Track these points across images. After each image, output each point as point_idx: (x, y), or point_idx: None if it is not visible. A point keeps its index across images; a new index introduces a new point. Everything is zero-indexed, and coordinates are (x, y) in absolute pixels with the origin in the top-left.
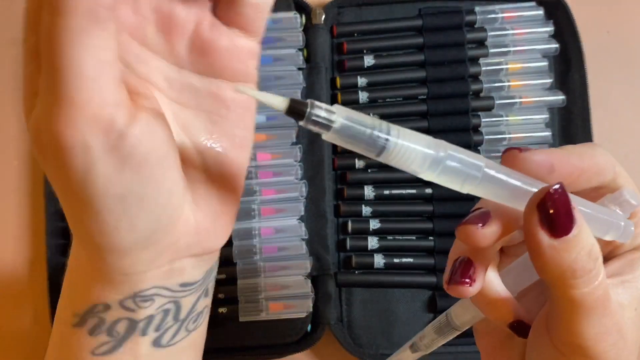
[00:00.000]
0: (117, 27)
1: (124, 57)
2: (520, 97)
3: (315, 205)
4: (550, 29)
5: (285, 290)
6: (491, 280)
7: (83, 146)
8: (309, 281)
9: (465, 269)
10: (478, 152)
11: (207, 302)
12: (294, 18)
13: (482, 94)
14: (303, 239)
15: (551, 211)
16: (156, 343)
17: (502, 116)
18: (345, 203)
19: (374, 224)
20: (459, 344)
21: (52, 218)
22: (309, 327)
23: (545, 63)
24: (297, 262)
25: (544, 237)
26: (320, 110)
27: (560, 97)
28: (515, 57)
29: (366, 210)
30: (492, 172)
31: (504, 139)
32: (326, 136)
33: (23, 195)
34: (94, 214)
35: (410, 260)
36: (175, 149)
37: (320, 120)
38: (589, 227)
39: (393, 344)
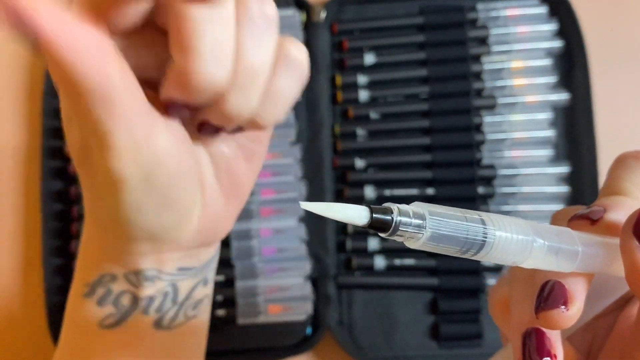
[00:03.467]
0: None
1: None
2: (523, 96)
3: None
4: (553, 26)
5: (285, 292)
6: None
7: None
8: (309, 283)
9: (559, 291)
10: (480, 151)
11: (206, 291)
12: (293, 15)
13: (484, 93)
14: (303, 240)
15: None
16: (157, 324)
17: (504, 115)
18: None
19: None
20: (459, 347)
21: (48, 219)
22: (308, 330)
23: (548, 62)
24: (297, 264)
25: None
26: (408, 218)
27: (564, 96)
28: (518, 56)
29: None
30: (588, 250)
31: (507, 138)
32: (414, 245)
33: (19, 196)
34: (125, 201)
35: (412, 261)
36: (197, 160)
37: (409, 230)
38: None
39: (394, 346)
